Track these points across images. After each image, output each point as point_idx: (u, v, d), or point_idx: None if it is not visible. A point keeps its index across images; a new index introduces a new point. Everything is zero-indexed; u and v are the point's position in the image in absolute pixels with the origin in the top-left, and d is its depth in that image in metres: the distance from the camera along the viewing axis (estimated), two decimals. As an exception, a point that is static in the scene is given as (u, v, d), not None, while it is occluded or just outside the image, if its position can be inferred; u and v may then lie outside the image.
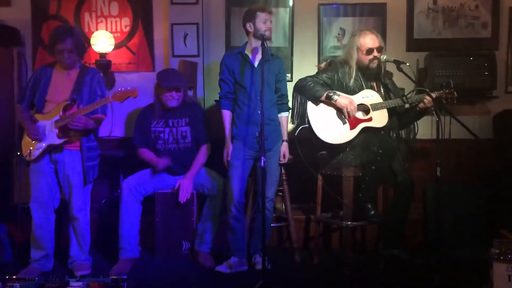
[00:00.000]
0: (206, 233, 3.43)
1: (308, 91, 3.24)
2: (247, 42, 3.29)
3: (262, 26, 3.17)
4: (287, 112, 3.39)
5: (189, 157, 3.51)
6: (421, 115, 3.35)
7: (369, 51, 3.25)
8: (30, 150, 3.13)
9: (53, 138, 3.09)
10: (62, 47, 3.07)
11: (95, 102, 3.10)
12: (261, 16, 3.18)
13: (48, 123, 3.11)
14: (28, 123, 3.14)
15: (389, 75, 3.51)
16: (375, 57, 3.26)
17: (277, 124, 3.32)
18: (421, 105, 3.25)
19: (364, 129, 3.22)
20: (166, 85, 3.37)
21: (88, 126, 3.11)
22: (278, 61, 3.30)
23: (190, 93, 4.03)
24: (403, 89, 3.92)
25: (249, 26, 3.21)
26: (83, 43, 3.23)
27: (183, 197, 3.38)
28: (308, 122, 3.24)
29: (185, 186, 3.39)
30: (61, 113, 3.08)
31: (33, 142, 3.13)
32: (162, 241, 3.50)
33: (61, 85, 3.16)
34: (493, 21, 4.14)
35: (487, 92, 4.01)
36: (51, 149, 3.13)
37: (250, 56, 3.25)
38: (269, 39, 3.16)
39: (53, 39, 3.11)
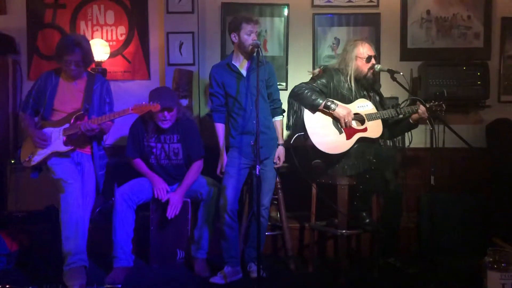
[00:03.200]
0: (202, 239, 3.41)
1: (305, 99, 3.25)
2: (233, 51, 3.28)
3: (247, 38, 3.14)
4: (281, 116, 3.39)
5: (182, 172, 3.50)
6: (413, 127, 3.37)
7: (369, 58, 3.29)
8: (30, 156, 3.11)
9: (59, 145, 3.08)
10: (70, 58, 3.06)
11: (114, 112, 3.10)
12: (246, 28, 3.13)
13: (56, 130, 3.10)
14: (33, 129, 3.12)
15: (378, 85, 3.55)
16: (373, 65, 3.29)
17: (274, 132, 3.32)
18: (414, 116, 3.28)
19: (360, 139, 3.24)
20: (161, 104, 3.29)
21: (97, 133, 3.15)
22: (266, 67, 3.21)
23: (186, 101, 4.04)
24: (396, 98, 3.97)
25: (234, 37, 3.19)
26: (91, 54, 3.21)
27: (171, 213, 3.34)
28: (305, 130, 3.25)
29: (174, 202, 3.35)
30: (71, 121, 3.08)
31: (36, 148, 3.10)
32: (156, 250, 3.48)
33: (70, 94, 3.16)
34: (485, 31, 4.19)
35: (480, 101, 4.05)
36: (55, 155, 3.11)
37: (237, 66, 3.24)
38: (255, 51, 3.03)
39: (61, 49, 3.08)
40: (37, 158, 3.09)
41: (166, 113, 3.32)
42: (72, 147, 3.10)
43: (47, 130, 3.11)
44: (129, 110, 3.03)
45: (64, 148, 3.08)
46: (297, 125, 3.33)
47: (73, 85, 3.17)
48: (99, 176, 3.20)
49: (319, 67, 3.54)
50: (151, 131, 3.45)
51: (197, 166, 3.48)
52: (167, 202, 3.36)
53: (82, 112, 3.11)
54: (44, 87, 3.16)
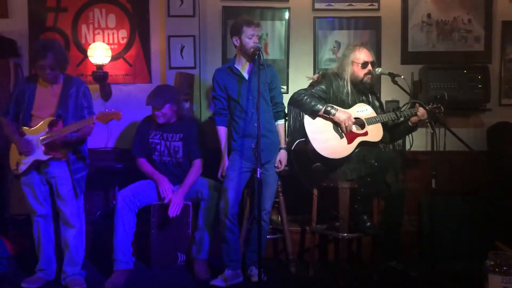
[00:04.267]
0: (204, 241, 3.41)
1: (305, 106, 3.25)
2: (236, 55, 3.28)
3: (248, 42, 3.14)
4: (283, 120, 3.39)
5: (183, 170, 3.54)
6: (412, 129, 3.37)
7: (365, 64, 3.29)
8: (18, 164, 3.11)
9: (39, 154, 3.07)
10: (43, 63, 3.01)
11: (79, 122, 3.05)
12: (247, 31, 3.13)
13: (34, 138, 3.08)
14: (17, 136, 3.10)
15: (377, 90, 3.56)
16: (369, 71, 3.29)
17: (275, 135, 3.32)
18: (414, 118, 3.28)
19: (361, 143, 3.24)
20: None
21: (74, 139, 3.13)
22: (269, 70, 3.22)
23: (187, 105, 4.05)
24: (397, 102, 3.97)
25: (236, 40, 3.19)
26: (65, 57, 3.16)
27: (173, 212, 3.37)
28: (306, 137, 3.25)
29: (176, 201, 3.39)
30: (47, 129, 3.06)
31: (21, 156, 3.10)
32: (157, 253, 3.49)
33: (46, 99, 3.13)
34: (486, 35, 4.20)
35: (481, 105, 4.05)
36: (37, 164, 3.11)
37: (240, 69, 3.25)
38: (256, 54, 3.02)
39: (34, 54, 3.05)
40: (23, 167, 3.10)
41: (156, 112, 3.42)
42: (52, 156, 3.09)
43: (27, 137, 3.09)
44: (93, 119, 2.98)
45: (44, 157, 3.07)
46: (298, 131, 3.34)
47: (50, 90, 3.14)
48: (74, 180, 3.15)
49: (318, 73, 3.55)
50: (156, 128, 3.53)
51: (197, 165, 3.51)
52: (169, 202, 3.38)
53: (55, 118, 3.08)
54: (23, 92, 3.14)
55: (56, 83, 3.15)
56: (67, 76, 3.21)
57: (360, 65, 3.30)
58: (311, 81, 3.50)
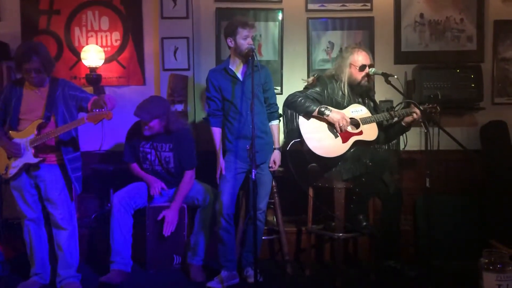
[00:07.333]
0: (198, 246, 3.40)
1: (299, 107, 3.26)
2: (230, 55, 3.27)
3: (243, 43, 3.12)
4: (277, 120, 3.39)
5: (176, 178, 3.51)
6: (406, 129, 3.38)
7: (363, 67, 3.30)
8: (7, 167, 3.09)
9: (29, 157, 3.04)
10: (29, 66, 2.97)
11: (69, 123, 3.04)
12: (242, 32, 3.11)
13: (23, 141, 3.05)
14: (6, 140, 3.08)
15: (373, 92, 3.57)
16: (367, 74, 3.30)
17: (270, 136, 3.32)
18: (408, 118, 3.29)
19: (356, 143, 3.25)
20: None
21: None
22: (263, 71, 3.21)
23: (181, 107, 4.04)
24: (391, 101, 3.99)
25: (230, 42, 3.18)
26: (50, 59, 3.13)
27: (167, 230, 3.36)
28: (301, 137, 3.25)
29: (170, 219, 3.36)
30: (36, 132, 3.04)
31: (10, 159, 3.08)
32: (153, 255, 3.47)
33: (34, 103, 3.10)
34: (478, 34, 4.23)
35: (474, 104, 4.07)
36: (27, 167, 3.08)
37: (234, 70, 3.24)
38: (250, 56, 3.03)
39: (19, 58, 3.00)
40: (12, 171, 3.07)
41: (143, 124, 3.34)
42: (42, 159, 3.07)
43: (16, 141, 3.06)
44: (84, 120, 2.95)
45: (34, 160, 3.04)
46: (293, 132, 3.34)
47: (37, 93, 3.11)
48: (73, 179, 3.13)
49: (313, 75, 3.54)
50: (146, 137, 3.45)
51: (188, 177, 3.47)
52: (162, 219, 3.37)
53: (44, 120, 3.05)
54: (9, 97, 3.10)
55: (42, 86, 3.11)
56: (53, 78, 3.18)
57: (358, 67, 3.30)
58: (306, 83, 3.51)
